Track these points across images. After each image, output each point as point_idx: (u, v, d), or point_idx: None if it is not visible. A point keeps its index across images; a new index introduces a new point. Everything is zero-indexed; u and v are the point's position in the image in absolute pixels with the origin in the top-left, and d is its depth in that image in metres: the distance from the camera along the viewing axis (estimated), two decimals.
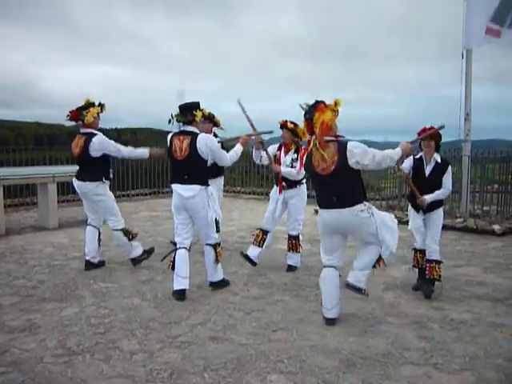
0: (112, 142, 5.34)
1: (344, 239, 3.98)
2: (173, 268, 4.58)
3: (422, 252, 4.75)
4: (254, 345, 3.54)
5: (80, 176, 5.41)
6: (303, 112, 3.84)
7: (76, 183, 5.45)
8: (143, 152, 5.58)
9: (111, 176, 5.54)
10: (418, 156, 4.76)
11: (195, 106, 4.54)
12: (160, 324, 3.93)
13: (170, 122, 4.62)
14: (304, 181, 5.45)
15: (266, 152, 5.26)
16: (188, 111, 4.48)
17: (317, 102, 3.74)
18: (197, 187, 4.42)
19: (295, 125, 5.25)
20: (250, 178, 12.64)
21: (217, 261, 4.70)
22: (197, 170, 4.46)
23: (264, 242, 5.44)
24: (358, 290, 3.90)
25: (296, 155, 5.28)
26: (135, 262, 5.54)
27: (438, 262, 4.68)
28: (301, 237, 5.52)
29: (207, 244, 4.68)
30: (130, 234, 5.51)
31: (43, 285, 4.92)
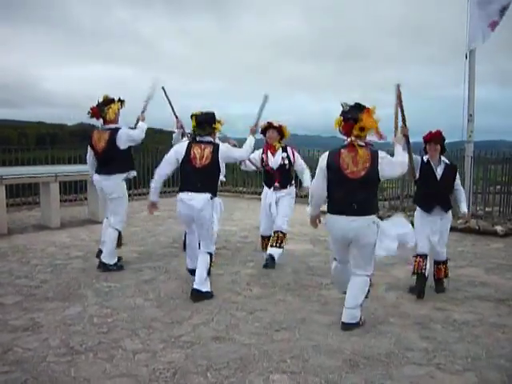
0: (131, 131, 5.47)
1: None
2: (185, 248, 4.76)
3: (425, 256, 4.70)
4: (257, 345, 3.55)
5: (104, 170, 5.36)
6: (342, 110, 3.76)
7: (98, 177, 5.41)
8: (143, 125, 5.58)
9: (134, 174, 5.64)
10: (425, 159, 4.68)
11: (213, 118, 4.59)
12: (163, 324, 3.94)
13: (191, 135, 4.81)
14: (293, 182, 5.73)
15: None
16: (207, 124, 4.54)
17: (360, 105, 3.73)
18: (207, 196, 4.44)
19: (280, 125, 5.55)
20: (252, 178, 12.66)
21: (209, 272, 4.56)
22: (212, 179, 4.53)
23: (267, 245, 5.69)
24: (355, 324, 3.85)
25: (286, 154, 5.52)
26: (104, 267, 5.36)
27: (446, 262, 4.84)
28: (287, 235, 5.67)
29: (202, 252, 4.60)
30: (120, 241, 5.51)
31: (46, 284, 4.93)
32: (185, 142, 4.65)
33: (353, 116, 3.68)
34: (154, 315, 4.11)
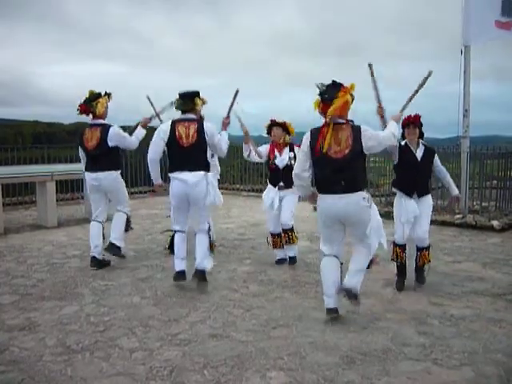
0: (126, 134, 5.44)
1: (343, 230, 3.92)
2: (172, 251, 4.68)
3: (403, 246, 4.70)
4: (254, 342, 3.54)
5: (97, 167, 5.33)
6: (319, 92, 3.74)
7: (93, 175, 5.35)
8: (141, 133, 5.55)
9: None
10: (402, 143, 4.65)
11: (196, 94, 4.60)
12: (159, 322, 3.93)
13: (171, 104, 4.72)
14: None
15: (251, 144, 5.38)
16: (189, 99, 4.55)
17: (336, 83, 3.69)
18: (201, 173, 4.48)
19: (284, 122, 5.46)
20: (249, 175, 12.64)
21: (210, 248, 4.82)
22: (202, 156, 4.52)
23: (281, 242, 5.62)
24: (354, 296, 3.87)
25: (293, 153, 5.38)
26: (113, 249, 5.45)
27: (428, 248, 4.74)
28: (294, 228, 5.59)
29: (200, 231, 4.72)
30: (128, 224, 5.64)
31: (42, 283, 4.92)
32: (168, 122, 4.60)
33: (330, 96, 3.66)
34: (151, 313, 4.11)
